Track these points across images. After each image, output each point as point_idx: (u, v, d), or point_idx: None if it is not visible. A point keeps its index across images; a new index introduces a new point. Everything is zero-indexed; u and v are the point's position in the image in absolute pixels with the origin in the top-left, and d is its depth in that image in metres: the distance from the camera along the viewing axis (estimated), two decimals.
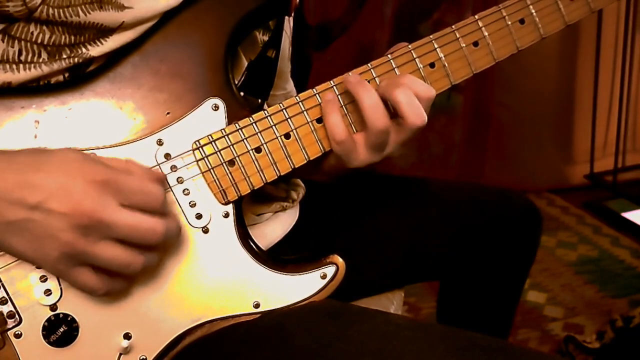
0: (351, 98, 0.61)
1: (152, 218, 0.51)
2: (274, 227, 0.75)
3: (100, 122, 0.57)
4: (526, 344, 1.49)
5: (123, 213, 0.50)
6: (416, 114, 0.58)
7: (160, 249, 0.55)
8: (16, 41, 0.55)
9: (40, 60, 0.55)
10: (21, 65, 0.55)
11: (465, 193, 0.90)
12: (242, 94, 0.61)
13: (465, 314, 0.95)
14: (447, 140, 2.19)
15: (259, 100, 0.63)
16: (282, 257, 0.64)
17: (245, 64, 0.66)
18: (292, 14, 0.66)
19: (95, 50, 0.57)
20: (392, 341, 0.54)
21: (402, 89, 0.58)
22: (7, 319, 0.54)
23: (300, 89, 0.77)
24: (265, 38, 0.68)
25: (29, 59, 0.55)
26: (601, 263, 1.85)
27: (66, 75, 0.57)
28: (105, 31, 0.56)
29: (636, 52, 2.21)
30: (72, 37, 0.56)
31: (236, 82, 0.62)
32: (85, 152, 0.54)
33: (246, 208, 0.69)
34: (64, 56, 0.56)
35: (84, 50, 0.56)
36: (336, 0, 1.83)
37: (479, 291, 0.92)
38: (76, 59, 0.56)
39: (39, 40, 0.55)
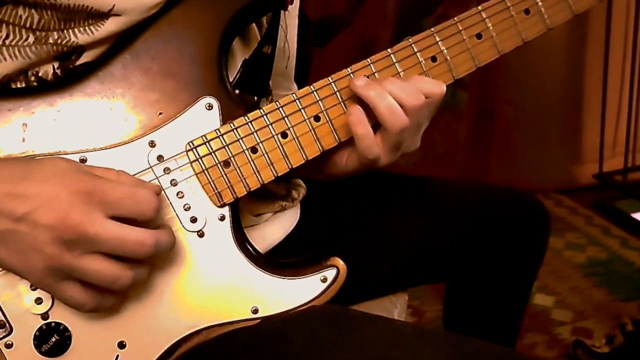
0: (350, 94, 0.60)
1: (140, 230, 0.50)
2: (274, 228, 0.74)
3: (90, 124, 0.56)
4: (533, 349, 1.48)
5: (109, 225, 0.49)
6: (395, 118, 0.58)
7: (152, 261, 0.54)
8: (4, 25, 0.54)
9: (26, 43, 0.54)
10: (5, 50, 0.54)
11: (470, 192, 0.90)
12: (237, 91, 0.60)
13: (472, 317, 0.95)
14: (451, 138, 2.18)
15: (255, 98, 0.62)
16: (281, 261, 0.63)
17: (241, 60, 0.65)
18: (289, 8, 0.64)
19: (84, 38, 0.55)
20: (395, 348, 0.53)
21: (382, 91, 0.58)
22: None
23: (300, 85, 0.77)
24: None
25: (14, 42, 0.54)
26: (610, 265, 1.83)
27: (55, 66, 0.56)
28: (95, 16, 0.54)
29: None
30: (62, 23, 0.54)
31: (231, 80, 0.61)
32: (75, 161, 0.53)
33: (244, 208, 0.68)
34: (50, 41, 0.55)
35: (72, 38, 0.55)
36: None
37: (486, 294, 0.92)
38: (63, 48, 0.55)
39: (27, 24, 0.54)
